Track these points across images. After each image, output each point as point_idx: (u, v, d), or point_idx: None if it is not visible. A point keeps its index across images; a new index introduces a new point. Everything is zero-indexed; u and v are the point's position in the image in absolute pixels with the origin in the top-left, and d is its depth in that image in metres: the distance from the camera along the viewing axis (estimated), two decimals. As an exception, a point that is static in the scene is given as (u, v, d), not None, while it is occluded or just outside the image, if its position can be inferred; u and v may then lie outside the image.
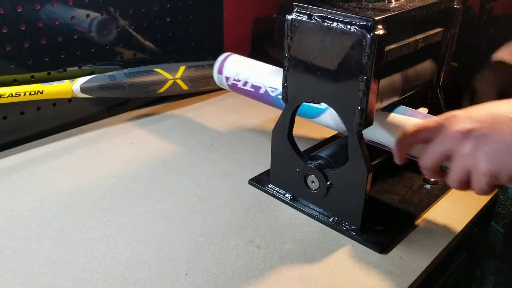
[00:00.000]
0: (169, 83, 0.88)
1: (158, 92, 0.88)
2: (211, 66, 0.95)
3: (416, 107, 0.67)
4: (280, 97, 0.66)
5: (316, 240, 0.58)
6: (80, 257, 0.54)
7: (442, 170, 0.51)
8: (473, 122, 0.46)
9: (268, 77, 0.71)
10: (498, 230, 1.25)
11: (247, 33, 1.21)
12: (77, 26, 0.80)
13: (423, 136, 0.51)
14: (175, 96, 0.94)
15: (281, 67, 0.58)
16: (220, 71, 0.78)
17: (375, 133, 0.59)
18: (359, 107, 0.51)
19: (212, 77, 0.95)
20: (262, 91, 0.72)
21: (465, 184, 0.49)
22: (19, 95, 0.72)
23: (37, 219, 0.60)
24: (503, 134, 0.44)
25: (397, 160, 0.54)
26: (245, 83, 0.74)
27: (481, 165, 0.45)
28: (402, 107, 0.60)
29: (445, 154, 0.48)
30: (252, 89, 0.73)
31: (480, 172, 0.46)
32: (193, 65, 0.93)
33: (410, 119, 0.58)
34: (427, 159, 0.50)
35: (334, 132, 0.79)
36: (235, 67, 0.76)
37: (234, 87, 0.77)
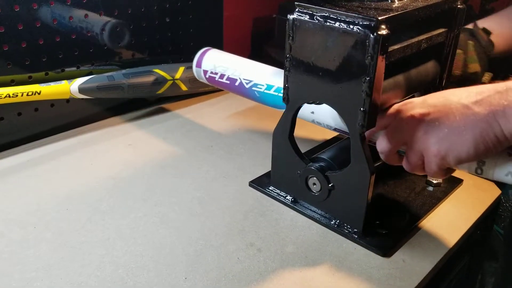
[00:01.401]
0: (168, 83, 0.87)
1: (157, 93, 0.87)
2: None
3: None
4: (254, 89, 0.73)
5: (317, 243, 0.57)
6: (78, 260, 0.53)
7: (399, 155, 0.54)
8: (427, 107, 0.49)
9: (243, 70, 0.74)
10: (498, 231, 1.25)
11: (247, 33, 1.20)
12: (74, 26, 0.79)
13: (382, 122, 0.53)
14: (175, 97, 0.94)
15: (281, 68, 0.58)
16: (198, 65, 0.80)
17: (327, 117, 0.62)
18: (361, 108, 0.51)
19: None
20: (237, 83, 0.75)
21: (419, 168, 0.51)
22: (17, 95, 0.71)
23: (35, 222, 0.59)
24: (453, 118, 0.47)
25: (384, 158, 0.55)
26: (222, 76, 0.77)
27: (432, 148, 0.48)
28: None
29: (400, 138, 0.51)
30: (228, 82, 0.76)
31: (430, 154, 0.49)
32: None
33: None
34: (384, 143, 0.53)
35: (336, 134, 0.78)
36: (213, 61, 0.78)
37: (211, 80, 0.79)
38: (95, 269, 0.52)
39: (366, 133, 0.55)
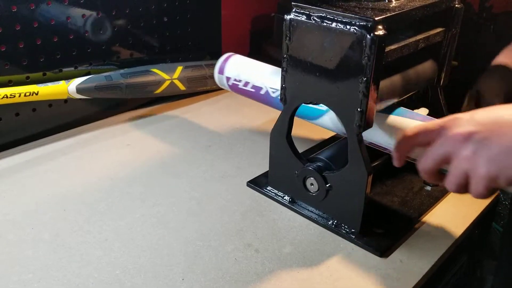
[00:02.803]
0: (166, 83, 0.87)
1: (155, 92, 0.87)
2: (209, 66, 0.95)
3: (416, 107, 0.66)
4: None
5: (315, 243, 0.57)
6: (76, 261, 0.53)
7: (440, 173, 0.50)
8: (475, 125, 0.45)
9: (269, 78, 0.70)
10: (497, 229, 1.25)
11: (245, 32, 1.20)
12: (72, 25, 0.79)
13: (423, 138, 0.49)
14: (173, 97, 0.93)
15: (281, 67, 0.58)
16: (221, 71, 0.76)
17: (374, 135, 0.58)
18: (359, 109, 0.51)
19: (210, 77, 0.94)
20: (263, 92, 0.71)
21: (463, 188, 0.48)
22: (14, 96, 0.71)
23: (32, 223, 0.59)
24: (505, 138, 0.43)
25: (396, 163, 0.53)
26: (246, 83, 0.73)
27: (481, 169, 0.44)
28: (402, 109, 0.59)
29: (444, 157, 0.47)
30: (253, 90, 0.72)
31: (479, 175, 0.45)
32: (191, 65, 0.92)
33: (411, 121, 0.56)
34: (426, 161, 0.49)
35: (333, 133, 0.78)
36: (237, 67, 0.74)
37: (234, 88, 0.76)
38: (93, 270, 0.52)
39: (405, 148, 0.51)
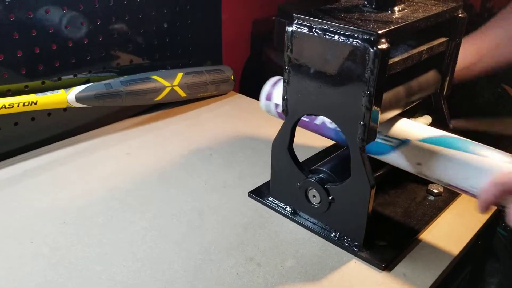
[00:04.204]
0: (167, 90, 0.86)
1: (155, 99, 0.86)
2: (210, 71, 0.94)
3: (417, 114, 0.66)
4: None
5: (317, 257, 0.56)
6: (75, 277, 0.53)
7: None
8: None
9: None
10: (500, 232, 1.24)
11: (246, 35, 1.20)
12: (71, 33, 0.78)
13: None
14: (173, 103, 0.93)
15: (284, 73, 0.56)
16: (268, 97, 0.68)
17: (449, 173, 0.53)
18: (362, 122, 0.50)
19: (210, 83, 0.94)
20: (318, 122, 0.63)
21: None
22: (12, 106, 0.70)
23: (32, 237, 0.58)
24: None
25: (481, 209, 0.49)
26: None
27: None
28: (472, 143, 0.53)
29: None
30: (307, 119, 0.64)
31: None
32: (191, 71, 0.91)
33: (506, 162, 0.50)
34: None
35: (333, 142, 0.77)
36: None
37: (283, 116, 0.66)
38: (93, 286, 0.51)
39: (498, 193, 0.47)
